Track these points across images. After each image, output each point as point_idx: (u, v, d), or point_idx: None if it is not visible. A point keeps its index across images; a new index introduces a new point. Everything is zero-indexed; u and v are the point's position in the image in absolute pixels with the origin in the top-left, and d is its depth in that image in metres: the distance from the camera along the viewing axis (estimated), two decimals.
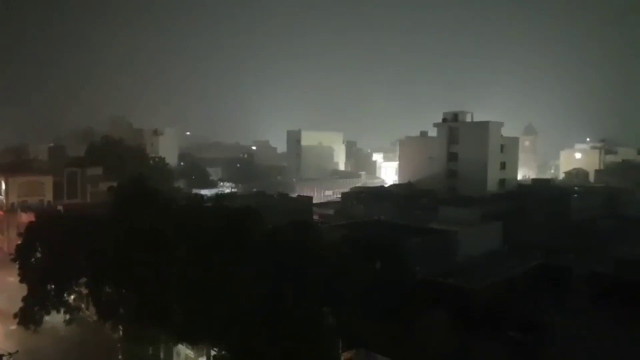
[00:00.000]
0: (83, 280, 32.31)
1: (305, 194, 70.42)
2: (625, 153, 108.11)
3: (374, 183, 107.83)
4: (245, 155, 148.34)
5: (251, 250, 23.72)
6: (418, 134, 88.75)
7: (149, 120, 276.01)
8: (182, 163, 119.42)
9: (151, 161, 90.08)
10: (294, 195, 70.97)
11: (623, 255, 33.37)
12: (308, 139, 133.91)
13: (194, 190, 68.79)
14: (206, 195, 46.85)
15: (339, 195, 71.04)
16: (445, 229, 34.96)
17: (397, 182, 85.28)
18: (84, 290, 32.90)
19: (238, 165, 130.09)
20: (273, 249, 23.80)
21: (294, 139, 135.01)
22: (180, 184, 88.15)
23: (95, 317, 32.27)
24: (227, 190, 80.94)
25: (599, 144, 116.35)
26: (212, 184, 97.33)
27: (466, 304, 24.43)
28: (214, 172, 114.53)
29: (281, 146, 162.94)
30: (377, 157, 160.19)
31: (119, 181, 37.80)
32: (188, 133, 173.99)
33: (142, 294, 26.05)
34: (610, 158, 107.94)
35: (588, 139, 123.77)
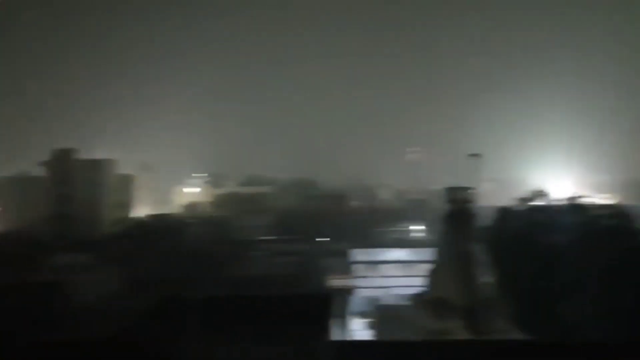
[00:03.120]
0: None
1: None
2: (231, 186, 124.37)
3: None
4: None
5: None
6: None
7: None
8: None
9: None
10: None
11: (237, 276, 36.91)
12: None
13: None
14: None
15: None
16: (51, 280, 30.18)
17: None
18: None
19: None
20: None
21: None
22: None
23: None
24: None
25: (207, 178, 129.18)
26: None
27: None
28: None
29: None
30: None
31: None
32: None
33: None
34: (218, 191, 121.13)
35: (199, 174, 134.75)
